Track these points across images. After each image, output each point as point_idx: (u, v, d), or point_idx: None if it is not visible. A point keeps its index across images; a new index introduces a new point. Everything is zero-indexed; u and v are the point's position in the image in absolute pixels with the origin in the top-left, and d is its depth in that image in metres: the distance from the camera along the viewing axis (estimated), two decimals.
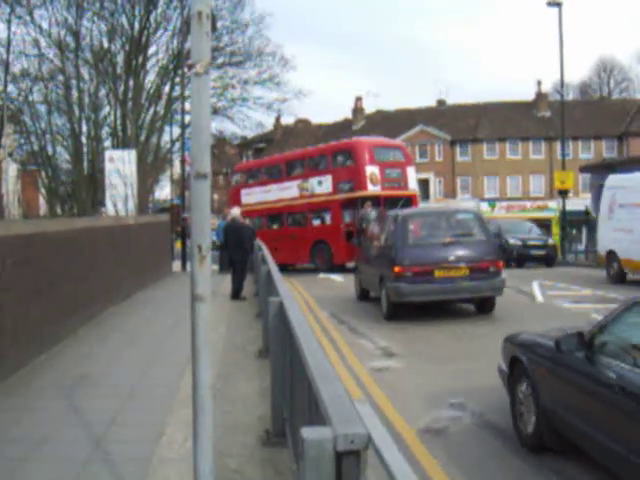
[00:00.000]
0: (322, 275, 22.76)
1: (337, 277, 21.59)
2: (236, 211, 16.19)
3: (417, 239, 13.71)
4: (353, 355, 10.22)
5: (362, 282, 16.05)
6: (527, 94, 73.27)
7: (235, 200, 28.12)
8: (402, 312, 13.33)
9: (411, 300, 13.03)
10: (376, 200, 23.13)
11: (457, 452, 6.25)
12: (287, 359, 5.48)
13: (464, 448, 6.36)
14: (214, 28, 3.41)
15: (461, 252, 13.21)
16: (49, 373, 8.60)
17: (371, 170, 23.61)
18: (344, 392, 2.86)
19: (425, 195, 57.46)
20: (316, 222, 25.24)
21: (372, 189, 23.53)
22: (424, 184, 58.19)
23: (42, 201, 46.61)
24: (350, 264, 22.83)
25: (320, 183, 24.86)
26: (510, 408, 6.76)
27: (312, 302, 15.85)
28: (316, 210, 25.11)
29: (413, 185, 25.32)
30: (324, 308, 14.91)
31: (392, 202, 22.68)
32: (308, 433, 2.35)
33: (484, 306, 13.69)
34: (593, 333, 5.62)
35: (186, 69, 38.18)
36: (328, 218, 24.66)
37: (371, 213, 21.71)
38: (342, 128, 62.19)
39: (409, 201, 23.78)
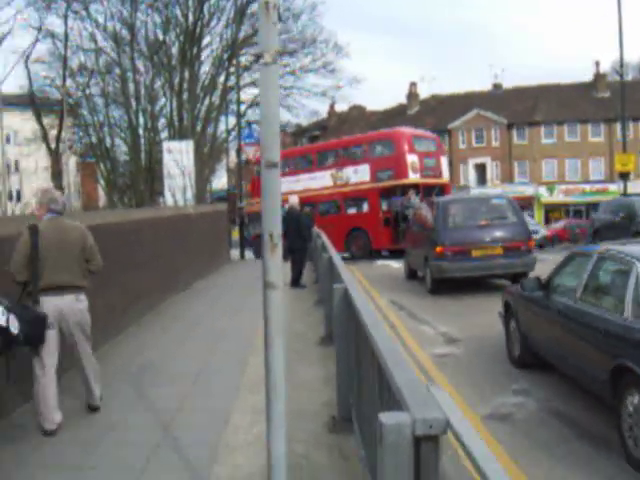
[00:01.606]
0: (380, 262, 22.89)
1: (394, 263, 21.65)
2: (294, 199, 16.21)
3: (456, 222, 15.19)
4: (414, 341, 10.20)
5: (410, 263, 17.64)
6: (585, 75, 71.71)
7: (258, 190, 28.30)
8: (444, 287, 14.76)
9: (451, 276, 14.55)
10: (416, 188, 23.97)
11: (523, 438, 6.20)
12: (352, 345, 5.50)
13: (530, 434, 6.30)
14: (279, 18, 3.42)
15: (495, 233, 14.77)
16: (115, 361, 8.76)
17: (412, 159, 24.30)
18: (417, 377, 2.87)
19: (482, 180, 56.92)
20: (351, 210, 25.53)
21: (413, 177, 24.24)
22: (481, 169, 57.67)
23: (101, 192, 47.40)
24: (385, 251, 24.57)
25: (357, 172, 25.20)
26: (505, 341, 9.17)
27: (369, 286, 15.97)
28: (352, 198, 25.39)
29: (446, 174, 26.44)
30: (382, 293, 15.02)
31: (427, 190, 23.80)
32: (386, 418, 2.37)
33: (517, 281, 14.54)
34: (547, 278, 8.10)
35: (253, 59, 38.38)
36: (365, 206, 24.99)
37: (415, 200, 22.69)
38: (396, 114, 61.84)
39: (442, 189, 24.87)
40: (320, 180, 26.28)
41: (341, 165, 25.96)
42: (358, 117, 64.40)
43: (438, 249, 14.49)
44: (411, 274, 17.57)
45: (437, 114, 59.44)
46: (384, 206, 24.81)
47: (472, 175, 57.47)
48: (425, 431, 2.34)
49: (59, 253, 6.17)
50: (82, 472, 5.23)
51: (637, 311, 5.84)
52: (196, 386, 7.59)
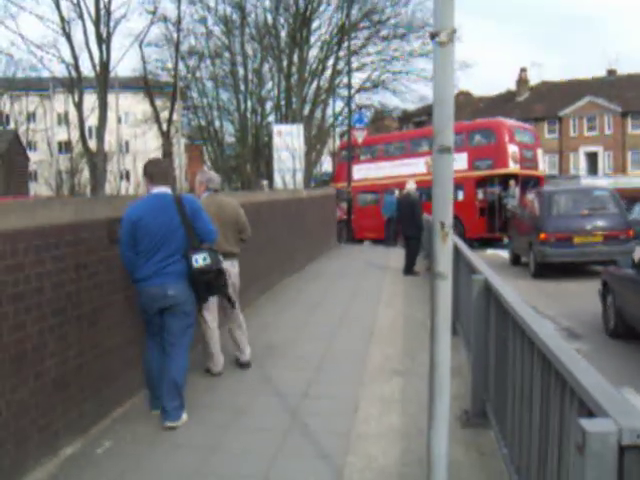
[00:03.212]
0: (490, 251, 22.54)
1: (503, 253, 21.31)
2: (412, 185, 16.01)
3: (560, 211, 16.49)
4: None
5: (514, 249, 19.06)
6: None
7: (344, 175, 28.12)
8: (547, 272, 16.15)
9: (553, 261, 15.91)
10: (515, 178, 24.25)
11: None
12: (491, 339, 5.32)
13: None
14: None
15: (596, 222, 16.07)
16: None
17: (512, 149, 24.47)
18: (605, 380, 2.69)
19: (593, 169, 55.22)
20: None
21: (513, 167, 24.39)
22: (592, 158, 55.95)
23: None
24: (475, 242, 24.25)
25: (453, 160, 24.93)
26: (602, 313, 10.40)
27: None
28: None
29: (541, 166, 26.86)
30: None
31: (524, 181, 24.24)
32: (590, 425, 2.20)
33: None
34: None
35: (362, 44, 38.16)
36: (461, 194, 24.61)
37: (514, 190, 23.51)
38: (505, 100, 60.72)
39: (538, 181, 25.13)
40: (413, 167, 26.01)
41: None
42: (465, 103, 63.28)
43: (542, 235, 15.84)
44: (515, 260, 18.93)
45: (547, 101, 57.96)
46: (479, 195, 24.97)
47: (583, 164, 55.84)
48: (633, 441, 2.16)
49: (218, 225, 6.90)
50: (214, 455, 5.22)
51: None
52: (320, 372, 7.53)
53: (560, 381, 3.01)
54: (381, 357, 8.13)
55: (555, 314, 11.45)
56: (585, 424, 2.22)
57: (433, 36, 3.08)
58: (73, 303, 5.34)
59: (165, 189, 5.87)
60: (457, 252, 8.21)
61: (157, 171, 5.94)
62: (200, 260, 5.75)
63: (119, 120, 47.40)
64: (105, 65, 36.58)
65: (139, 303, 5.85)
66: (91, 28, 36.54)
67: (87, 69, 38.87)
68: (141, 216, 5.63)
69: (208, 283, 5.86)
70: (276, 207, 13.36)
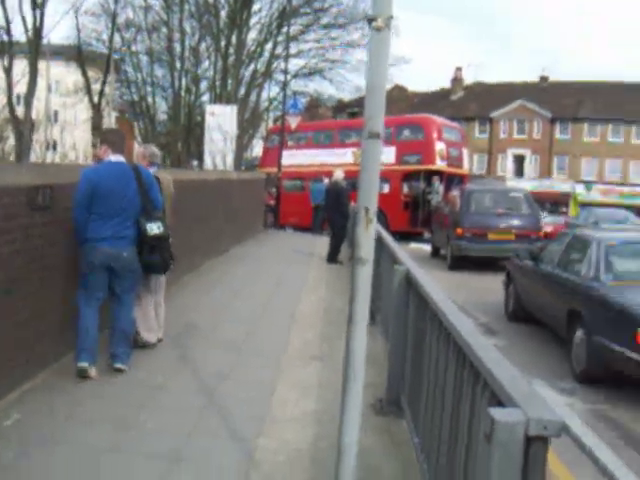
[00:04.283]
0: (413, 245, 22.77)
1: (427, 247, 21.72)
2: (339, 174, 15.99)
3: (477, 209, 17.81)
4: None
5: (434, 242, 20.62)
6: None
7: (271, 160, 27.84)
8: (464, 265, 17.26)
9: (468, 254, 17.16)
10: (439, 175, 24.99)
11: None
12: (410, 330, 5.37)
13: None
14: None
15: (510, 221, 17.55)
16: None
17: (440, 146, 25.08)
18: (518, 372, 2.73)
19: (519, 172, 56.30)
20: None
21: (439, 164, 25.05)
22: (519, 160, 57.06)
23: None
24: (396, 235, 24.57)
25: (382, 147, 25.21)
26: (504, 300, 11.71)
27: None
28: None
29: (466, 165, 27.81)
30: None
31: (449, 179, 24.99)
32: (499, 415, 2.23)
33: None
34: (537, 250, 10.86)
35: (300, 31, 37.95)
36: (386, 187, 24.55)
37: (439, 187, 24.45)
38: (439, 97, 61.35)
39: (462, 179, 25.78)
40: (340, 157, 26.07)
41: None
42: (399, 97, 63.55)
43: (459, 230, 17.18)
44: (435, 252, 20.30)
45: (481, 101, 58.82)
46: (405, 189, 25.49)
47: (510, 166, 56.87)
48: (539, 432, 2.21)
49: (168, 200, 7.42)
50: (128, 431, 5.14)
51: (588, 273, 8.45)
52: (240, 355, 7.48)
53: (473, 372, 3.05)
54: (300, 342, 8.14)
55: (470, 307, 11.66)
56: (494, 413, 2.26)
57: (370, 21, 3.07)
58: None
59: (122, 158, 6.27)
60: (380, 242, 8.26)
61: (117, 140, 6.36)
62: (155, 228, 6.33)
63: (49, 89, 46.15)
64: (38, 31, 35.59)
65: (88, 261, 6.11)
66: None
67: (19, 33, 37.80)
68: (102, 180, 6.01)
69: (153, 248, 6.40)
70: (205, 187, 13.22)
